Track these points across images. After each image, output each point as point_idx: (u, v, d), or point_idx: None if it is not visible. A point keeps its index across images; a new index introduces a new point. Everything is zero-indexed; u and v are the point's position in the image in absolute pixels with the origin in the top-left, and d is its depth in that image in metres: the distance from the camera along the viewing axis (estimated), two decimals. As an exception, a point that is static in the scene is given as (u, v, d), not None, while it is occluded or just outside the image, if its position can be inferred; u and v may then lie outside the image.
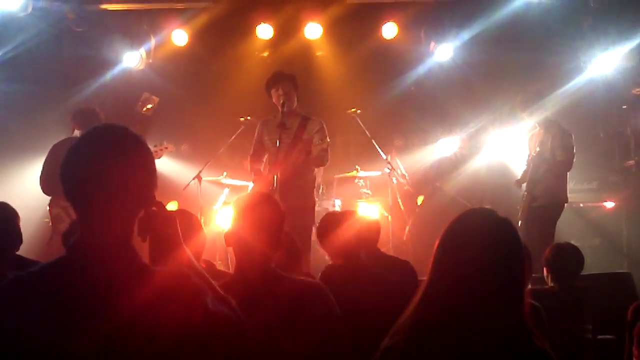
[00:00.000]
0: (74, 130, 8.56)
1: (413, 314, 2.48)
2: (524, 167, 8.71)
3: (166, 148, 9.12)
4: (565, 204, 8.45)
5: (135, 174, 2.25)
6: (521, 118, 8.87)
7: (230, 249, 8.00)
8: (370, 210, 9.29)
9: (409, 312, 2.50)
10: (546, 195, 8.35)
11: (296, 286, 3.37)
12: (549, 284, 5.48)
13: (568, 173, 8.44)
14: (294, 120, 7.75)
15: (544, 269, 5.53)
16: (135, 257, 2.28)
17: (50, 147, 8.12)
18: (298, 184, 7.57)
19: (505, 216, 2.57)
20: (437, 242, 2.55)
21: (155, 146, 9.09)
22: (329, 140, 7.62)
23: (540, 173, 8.41)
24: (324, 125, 7.81)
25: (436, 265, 2.52)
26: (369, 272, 4.35)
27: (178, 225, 2.50)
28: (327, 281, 3.89)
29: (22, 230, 4.48)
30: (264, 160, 7.99)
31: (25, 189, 8.73)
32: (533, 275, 6.02)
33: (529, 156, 8.62)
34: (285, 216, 3.46)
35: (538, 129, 8.56)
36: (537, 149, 8.40)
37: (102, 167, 2.19)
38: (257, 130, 8.06)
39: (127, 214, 2.27)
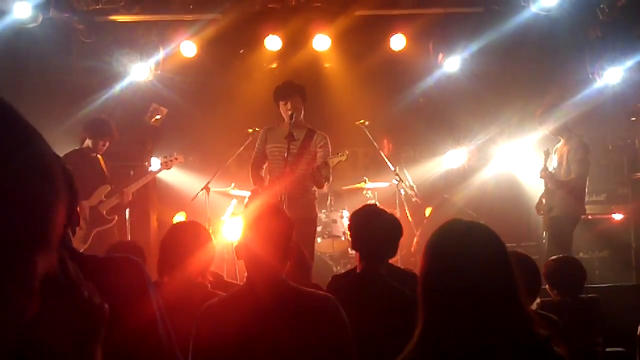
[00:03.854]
0: (83, 141, 8.60)
1: (422, 332, 2.46)
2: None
3: (176, 159, 9.17)
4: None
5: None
6: (538, 129, 8.93)
7: (239, 261, 8.05)
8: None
9: (417, 332, 2.49)
10: (560, 206, 8.42)
11: (306, 298, 3.37)
12: (555, 298, 5.47)
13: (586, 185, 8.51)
14: (300, 132, 7.79)
15: (547, 286, 5.49)
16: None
17: (60, 157, 8.12)
18: (302, 195, 7.62)
19: (482, 223, 2.58)
20: (421, 258, 2.54)
21: (165, 157, 9.12)
22: (347, 153, 7.58)
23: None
24: (328, 140, 7.85)
25: (426, 283, 2.51)
26: (383, 284, 4.29)
27: None
28: (335, 291, 3.86)
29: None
30: (264, 167, 8.02)
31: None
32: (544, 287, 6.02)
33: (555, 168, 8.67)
34: (293, 227, 3.47)
35: (561, 140, 8.63)
36: (555, 162, 8.50)
37: None
38: (259, 138, 8.09)
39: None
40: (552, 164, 8.66)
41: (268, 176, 7.91)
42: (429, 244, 2.54)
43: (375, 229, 4.53)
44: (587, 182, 8.59)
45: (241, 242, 3.42)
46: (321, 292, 3.58)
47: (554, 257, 5.73)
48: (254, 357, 3.18)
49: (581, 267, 5.51)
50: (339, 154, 7.56)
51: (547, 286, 5.51)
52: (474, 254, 2.43)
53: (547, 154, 8.60)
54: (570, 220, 8.45)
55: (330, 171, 7.68)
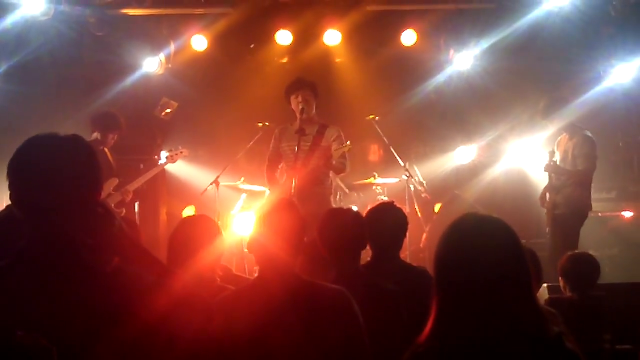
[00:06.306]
0: (92, 133, 8.61)
1: (436, 322, 2.47)
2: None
3: (181, 152, 9.20)
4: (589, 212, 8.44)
5: (76, 177, 2.33)
6: (542, 125, 8.85)
7: (247, 254, 8.03)
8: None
9: (432, 322, 2.49)
10: (567, 203, 8.32)
11: (319, 292, 3.38)
12: (567, 294, 5.47)
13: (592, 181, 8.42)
14: (312, 127, 7.80)
15: (560, 279, 5.52)
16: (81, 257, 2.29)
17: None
18: (315, 190, 7.61)
19: (497, 217, 2.57)
20: (435, 251, 2.54)
21: (170, 151, 9.14)
22: (349, 143, 7.59)
23: (561, 180, 8.39)
24: (342, 133, 7.86)
25: (440, 276, 2.51)
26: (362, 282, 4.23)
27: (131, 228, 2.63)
28: None
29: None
30: (279, 168, 8.03)
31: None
32: (552, 284, 6.02)
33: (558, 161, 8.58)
34: (305, 222, 3.47)
35: (564, 134, 8.54)
36: (558, 157, 8.40)
37: (43, 173, 2.29)
38: (273, 138, 8.10)
39: (69, 216, 2.30)
40: (556, 158, 8.58)
41: (285, 175, 7.92)
42: (444, 236, 2.54)
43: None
44: (593, 179, 8.49)
45: (253, 236, 3.44)
46: (334, 285, 3.57)
47: (570, 253, 5.73)
48: (266, 351, 3.18)
49: (597, 265, 5.53)
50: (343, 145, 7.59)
51: (560, 281, 5.54)
52: (488, 247, 2.43)
53: (552, 154, 8.48)
54: (577, 216, 8.33)
55: (346, 161, 7.69)
